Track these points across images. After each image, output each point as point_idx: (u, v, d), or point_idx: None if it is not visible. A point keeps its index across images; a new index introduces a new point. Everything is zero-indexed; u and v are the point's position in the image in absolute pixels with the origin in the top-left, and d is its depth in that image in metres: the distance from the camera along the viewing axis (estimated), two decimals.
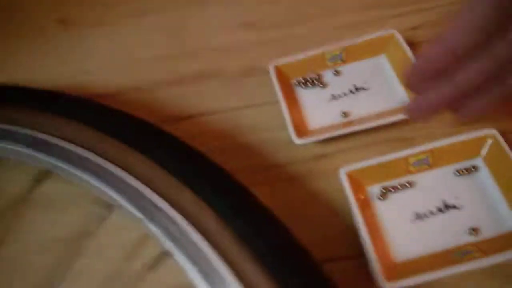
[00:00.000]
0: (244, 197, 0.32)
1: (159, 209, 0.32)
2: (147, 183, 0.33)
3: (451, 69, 0.31)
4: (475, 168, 0.38)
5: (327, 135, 0.40)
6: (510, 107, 0.41)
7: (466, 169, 0.38)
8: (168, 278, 0.37)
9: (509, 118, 0.41)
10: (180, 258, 0.31)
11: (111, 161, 0.33)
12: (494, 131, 0.37)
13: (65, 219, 0.41)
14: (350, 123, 0.42)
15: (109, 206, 0.37)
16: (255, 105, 0.47)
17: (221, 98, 0.48)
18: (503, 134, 0.38)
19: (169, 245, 0.31)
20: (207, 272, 0.29)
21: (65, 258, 0.38)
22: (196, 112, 0.48)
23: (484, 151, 0.38)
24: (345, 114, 0.43)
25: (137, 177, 0.33)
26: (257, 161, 0.43)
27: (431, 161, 0.38)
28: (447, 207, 0.36)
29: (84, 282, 0.38)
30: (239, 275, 0.28)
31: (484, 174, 0.38)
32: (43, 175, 0.43)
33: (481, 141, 0.38)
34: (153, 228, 0.32)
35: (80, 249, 0.38)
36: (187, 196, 0.31)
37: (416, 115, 0.35)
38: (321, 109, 0.44)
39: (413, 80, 0.33)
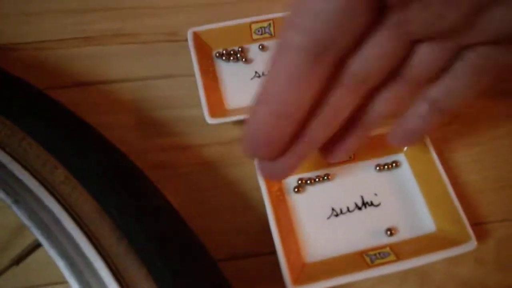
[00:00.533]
0: (132, 182, 0.26)
1: (27, 190, 0.26)
2: (14, 157, 0.27)
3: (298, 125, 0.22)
4: (396, 164, 0.35)
5: (244, 116, 0.36)
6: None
7: (387, 165, 0.35)
8: (36, 272, 0.31)
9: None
10: (49, 249, 0.25)
11: None
12: None
13: None
14: None
15: None
16: (169, 76, 0.41)
17: (131, 64, 0.42)
18: None
19: (36, 232, 0.26)
20: (78, 267, 0.24)
21: None
22: (98, 78, 0.41)
23: (406, 146, 0.35)
24: None
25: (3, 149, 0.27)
26: (164, 141, 0.38)
27: (353, 153, 0.35)
28: (365, 204, 0.34)
29: None
30: (116, 273, 0.23)
31: (405, 171, 0.35)
32: None
33: None
34: (17, 212, 0.26)
35: None
36: (60, 177, 0.25)
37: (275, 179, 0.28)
38: (242, 87, 0.40)
39: (256, 155, 0.23)
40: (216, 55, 0.41)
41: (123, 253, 0.24)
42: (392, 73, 0.22)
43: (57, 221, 0.26)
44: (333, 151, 0.26)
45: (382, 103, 0.24)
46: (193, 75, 0.39)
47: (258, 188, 0.33)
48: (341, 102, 0.22)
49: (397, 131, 0.27)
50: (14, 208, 0.26)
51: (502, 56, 0.21)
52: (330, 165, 0.35)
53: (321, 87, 0.21)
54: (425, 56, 0.21)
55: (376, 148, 0.35)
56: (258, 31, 0.42)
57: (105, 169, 0.26)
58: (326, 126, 0.23)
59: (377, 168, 0.35)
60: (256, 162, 0.26)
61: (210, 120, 0.35)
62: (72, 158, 0.26)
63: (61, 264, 0.25)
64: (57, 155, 0.26)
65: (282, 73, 0.20)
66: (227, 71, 0.41)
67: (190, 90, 0.40)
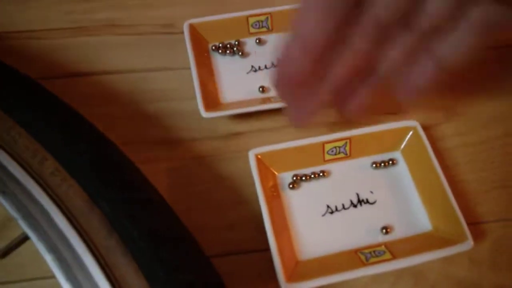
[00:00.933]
0: (124, 175, 0.26)
1: (15, 181, 0.25)
2: (2, 147, 0.26)
3: (322, 62, 0.26)
4: (393, 161, 0.35)
5: (239, 110, 0.36)
6: (436, 101, 0.39)
7: (384, 162, 0.35)
8: (23, 266, 0.31)
9: (436, 112, 0.38)
10: (36, 242, 0.25)
11: None
12: (415, 123, 0.34)
13: None
14: (267, 100, 0.37)
15: None
16: (164, 68, 0.40)
17: (125, 56, 0.41)
18: (426, 128, 0.35)
19: (24, 225, 0.25)
20: (66, 261, 0.23)
21: None
22: (92, 69, 0.40)
23: (403, 144, 0.35)
24: (263, 90, 0.38)
25: None
26: (158, 134, 0.37)
27: (349, 150, 0.34)
28: (361, 201, 0.33)
29: None
30: (105, 267, 0.23)
31: (402, 169, 0.35)
32: None
33: (401, 133, 0.35)
34: (5, 203, 0.25)
35: None
36: (50, 168, 0.25)
37: (299, 123, 0.32)
38: (237, 81, 0.39)
39: (282, 91, 0.28)
40: (212, 48, 0.41)
41: (113, 247, 0.23)
42: (404, 24, 0.25)
43: (45, 214, 0.25)
44: (348, 105, 0.30)
45: (393, 52, 0.26)
46: (189, 68, 0.38)
47: (253, 184, 0.32)
48: (357, 44, 0.25)
49: (403, 86, 0.29)
50: (1, 200, 0.26)
51: (504, 14, 0.23)
52: (326, 160, 0.34)
53: (341, 24, 0.23)
54: (434, 5, 0.23)
55: (373, 146, 0.35)
56: (256, 24, 0.41)
57: (96, 161, 0.25)
58: (342, 66, 0.26)
59: (374, 165, 0.35)
60: (284, 111, 0.30)
61: (205, 114, 0.35)
62: (62, 149, 0.26)
63: (48, 258, 0.24)
64: (47, 146, 0.25)
65: (310, 8, 0.23)
66: (223, 64, 0.40)
67: (185, 83, 0.39)
